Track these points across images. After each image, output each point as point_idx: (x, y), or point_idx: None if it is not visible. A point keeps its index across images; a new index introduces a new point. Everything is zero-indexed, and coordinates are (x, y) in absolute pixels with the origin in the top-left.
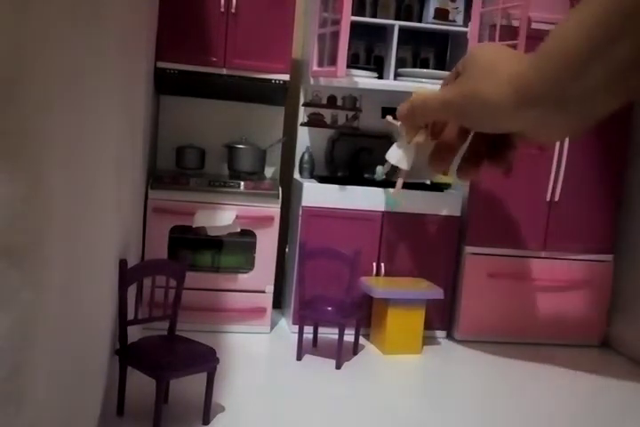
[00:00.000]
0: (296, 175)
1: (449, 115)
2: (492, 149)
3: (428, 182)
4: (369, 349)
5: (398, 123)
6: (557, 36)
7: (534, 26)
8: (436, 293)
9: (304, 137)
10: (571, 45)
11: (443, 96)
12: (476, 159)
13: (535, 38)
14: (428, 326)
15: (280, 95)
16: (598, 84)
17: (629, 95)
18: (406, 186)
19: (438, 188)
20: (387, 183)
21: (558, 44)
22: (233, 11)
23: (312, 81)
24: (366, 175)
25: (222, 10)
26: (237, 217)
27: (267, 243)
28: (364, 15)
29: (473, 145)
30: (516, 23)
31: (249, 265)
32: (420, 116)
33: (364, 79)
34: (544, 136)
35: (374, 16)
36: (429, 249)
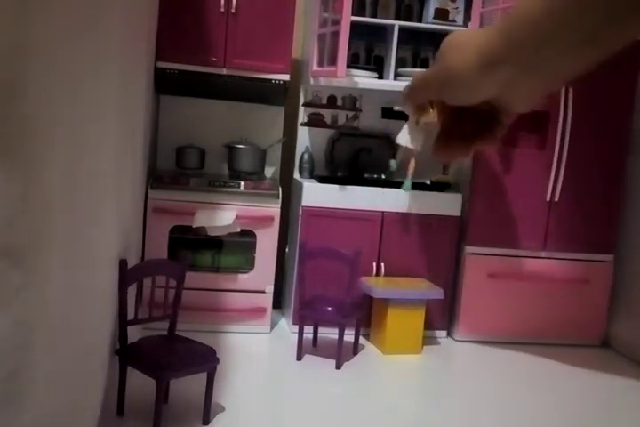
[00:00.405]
0: (296, 175)
1: (431, 92)
2: (480, 127)
3: (428, 182)
4: (369, 349)
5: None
6: (522, 2)
7: None
8: (436, 293)
9: (304, 137)
10: (532, 9)
11: (424, 74)
12: (464, 138)
13: None
14: (428, 326)
15: (280, 95)
16: (563, 46)
17: (598, 56)
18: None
19: (438, 188)
20: (387, 183)
21: (522, 9)
22: (233, 11)
23: (312, 81)
24: (366, 175)
25: (222, 10)
26: (237, 217)
27: (267, 243)
28: (364, 15)
29: (460, 124)
30: None
31: (249, 265)
32: (416, 94)
33: (364, 79)
34: (516, 102)
35: (374, 16)
36: (429, 249)
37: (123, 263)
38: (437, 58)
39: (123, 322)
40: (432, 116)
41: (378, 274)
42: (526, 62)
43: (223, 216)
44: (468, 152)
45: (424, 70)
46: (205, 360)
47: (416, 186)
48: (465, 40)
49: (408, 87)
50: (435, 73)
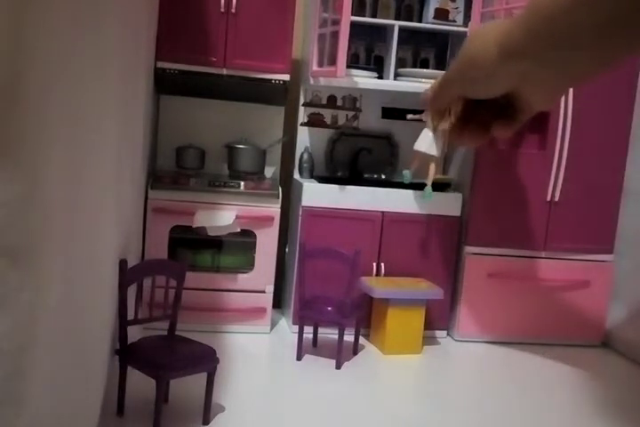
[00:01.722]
0: (296, 175)
1: (454, 88)
2: (498, 115)
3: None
4: (369, 349)
5: (420, 116)
6: None
7: None
8: (436, 293)
9: (304, 137)
10: (554, 2)
11: (446, 72)
12: (480, 124)
13: None
14: (428, 326)
15: (280, 95)
16: (578, 42)
17: (612, 59)
18: (406, 186)
19: (438, 188)
20: (387, 183)
21: (541, 2)
22: (233, 11)
23: (312, 81)
24: (366, 175)
25: (222, 10)
26: (237, 217)
27: (267, 243)
28: (364, 15)
29: (478, 110)
30: None
31: (249, 265)
32: (441, 97)
33: (364, 79)
34: (535, 98)
35: (374, 16)
36: (429, 249)
37: (123, 263)
38: (461, 49)
39: (123, 322)
40: (449, 121)
41: (378, 274)
42: (543, 56)
43: (223, 216)
44: (482, 139)
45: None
46: (205, 360)
47: (416, 186)
48: (487, 30)
49: (431, 91)
50: (457, 64)
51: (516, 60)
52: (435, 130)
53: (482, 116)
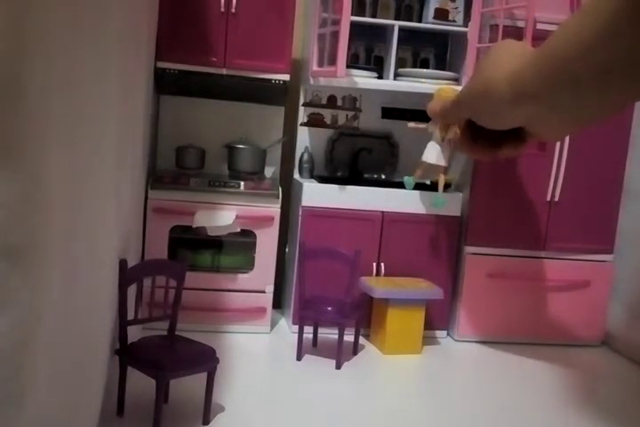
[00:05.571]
0: (296, 175)
1: (464, 111)
2: (508, 133)
3: (428, 182)
4: (369, 349)
5: (423, 125)
6: (554, 37)
7: (539, 26)
8: (436, 293)
9: (304, 137)
10: (564, 48)
11: (460, 93)
12: (491, 140)
13: (540, 39)
14: (428, 326)
15: (280, 95)
16: (589, 89)
17: (623, 103)
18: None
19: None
20: (387, 183)
21: (553, 46)
22: (233, 11)
23: (312, 81)
24: (366, 175)
25: (222, 10)
26: (237, 217)
27: (267, 243)
28: (364, 15)
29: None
30: (520, 24)
31: (249, 265)
32: (450, 115)
33: (364, 79)
34: (544, 133)
35: (374, 16)
36: (429, 249)
37: (123, 263)
38: (476, 72)
39: (123, 322)
40: (454, 132)
41: (378, 274)
42: (553, 99)
43: (223, 216)
44: (492, 155)
45: (459, 91)
46: (205, 360)
47: (417, 186)
48: (502, 57)
49: (444, 107)
50: (469, 90)
51: (527, 102)
52: (442, 140)
53: (491, 132)
